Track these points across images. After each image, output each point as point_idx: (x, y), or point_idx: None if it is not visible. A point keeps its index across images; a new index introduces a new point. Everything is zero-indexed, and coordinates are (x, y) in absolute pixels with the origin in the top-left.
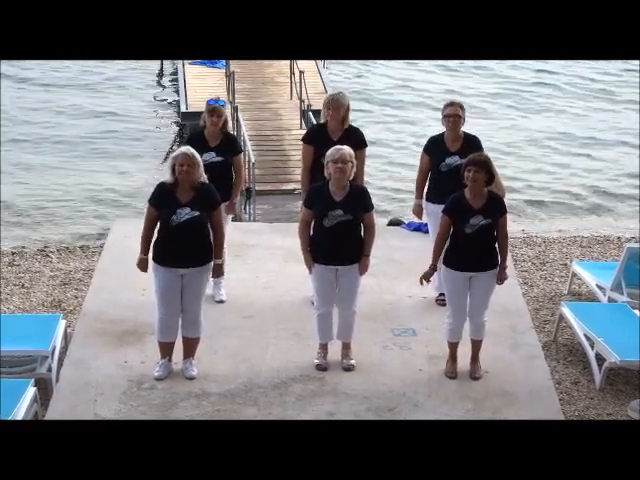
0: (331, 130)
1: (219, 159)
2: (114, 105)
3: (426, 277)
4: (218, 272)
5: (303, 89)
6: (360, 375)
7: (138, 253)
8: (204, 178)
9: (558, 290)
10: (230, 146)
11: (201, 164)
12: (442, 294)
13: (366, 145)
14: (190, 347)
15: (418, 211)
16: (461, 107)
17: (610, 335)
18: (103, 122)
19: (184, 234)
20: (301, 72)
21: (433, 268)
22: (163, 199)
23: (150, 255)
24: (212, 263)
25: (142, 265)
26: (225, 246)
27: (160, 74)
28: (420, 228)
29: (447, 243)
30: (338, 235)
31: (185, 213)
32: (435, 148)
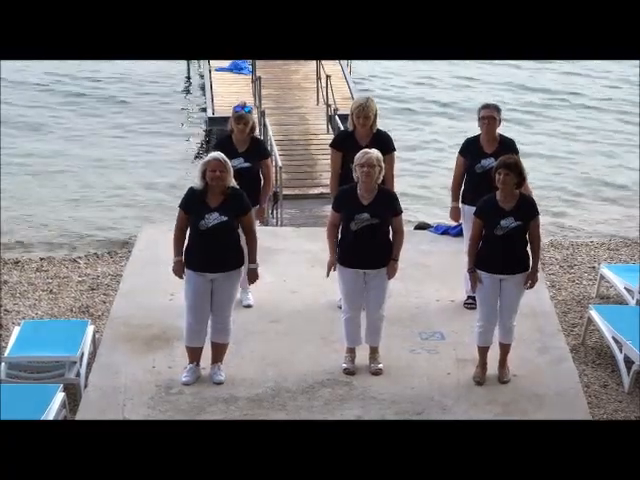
0: (359, 136)
1: (247, 165)
2: (140, 110)
3: (474, 282)
4: (252, 277)
5: (329, 94)
6: (388, 379)
7: (172, 257)
8: (234, 183)
9: (586, 293)
10: (258, 151)
11: (231, 169)
12: (470, 297)
13: (394, 150)
14: (218, 352)
15: (455, 214)
16: (496, 109)
17: (639, 338)
18: (129, 127)
19: (213, 239)
20: (327, 77)
21: (471, 270)
22: (193, 204)
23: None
24: (242, 268)
25: (178, 268)
26: None
27: (187, 80)
28: (448, 231)
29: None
30: (365, 238)
31: (214, 218)
32: (470, 150)
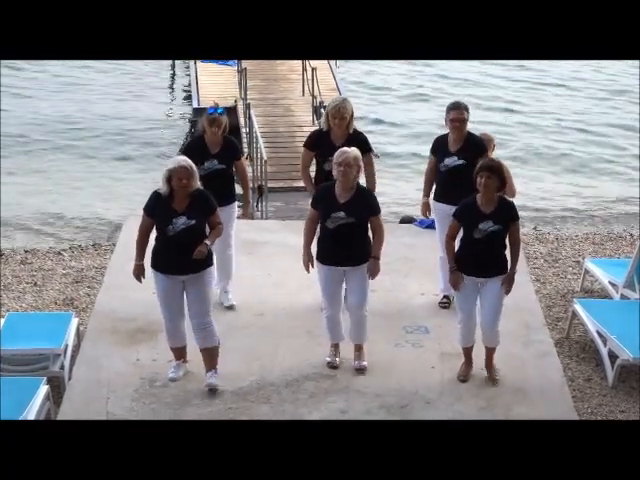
0: (335, 136)
1: (221, 167)
2: (125, 101)
3: (456, 282)
4: (198, 252)
5: (315, 86)
6: (372, 373)
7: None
8: (198, 184)
9: (571, 287)
10: (231, 151)
11: (197, 173)
12: (445, 296)
13: (370, 150)
14: (209, 358)
15: (424, 209)
16: (466, 109)
17: (623, 332)
18: (114, 118)
19: (182, 243)
20: (313, 69)
21: (453, 269)
22: (158, 208)
23: (150, 262)
24: (213, 267)
25: (138, 271)
26: (232, 243)
27: (172, 70)
28: (432, 225)
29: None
30: (341, 237)
31: (181, 222)
32: (438, 148)
